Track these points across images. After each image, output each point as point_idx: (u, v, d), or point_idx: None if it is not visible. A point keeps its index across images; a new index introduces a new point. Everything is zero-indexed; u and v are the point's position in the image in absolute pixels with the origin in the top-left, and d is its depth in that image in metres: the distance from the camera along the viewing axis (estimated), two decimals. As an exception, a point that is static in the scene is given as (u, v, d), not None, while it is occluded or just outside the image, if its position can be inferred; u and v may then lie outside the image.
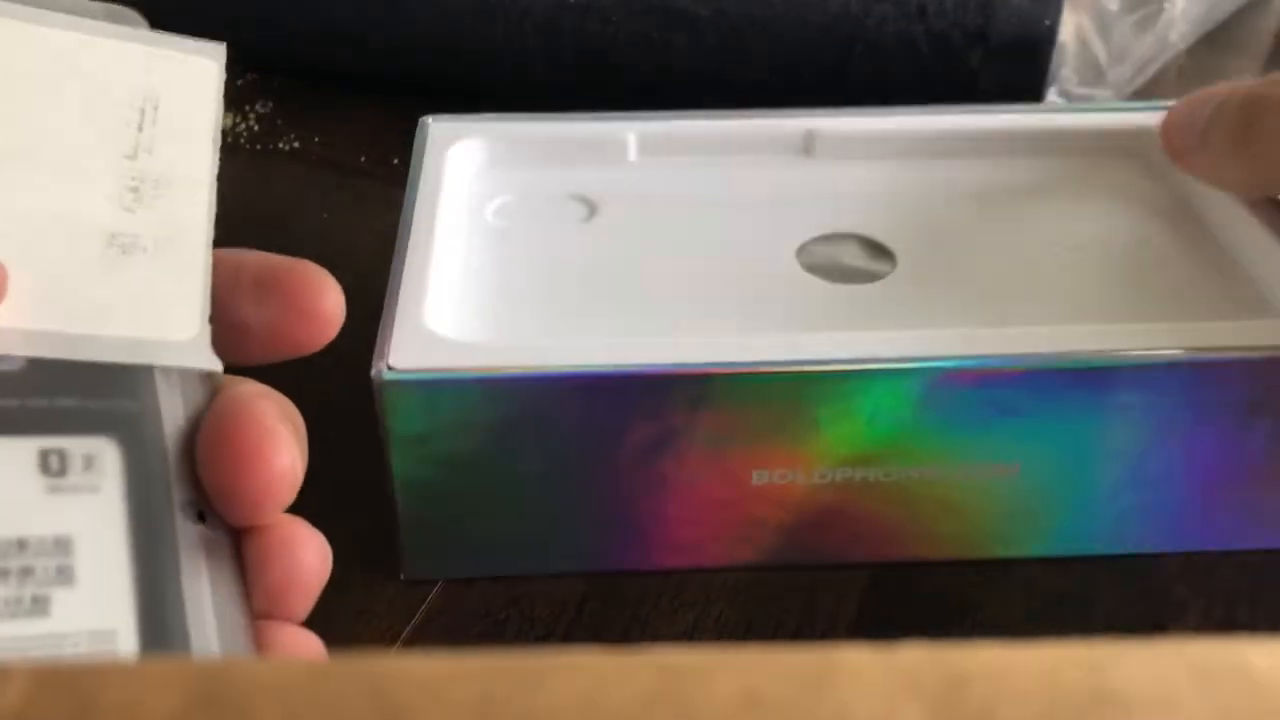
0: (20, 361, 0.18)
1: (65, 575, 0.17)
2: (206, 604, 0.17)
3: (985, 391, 0.25)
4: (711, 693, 0.10)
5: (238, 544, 0.19)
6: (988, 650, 0.11)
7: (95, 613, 0.17)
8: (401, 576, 0.28)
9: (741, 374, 0.25)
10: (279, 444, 0.18)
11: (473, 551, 0.27)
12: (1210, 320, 0.27)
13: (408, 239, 0.28)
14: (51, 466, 0.17)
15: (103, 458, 0.17)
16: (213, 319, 0.20)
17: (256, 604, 0.19)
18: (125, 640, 0.17)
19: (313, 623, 0.27)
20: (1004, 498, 0.27)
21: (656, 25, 0.44)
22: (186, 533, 0.18)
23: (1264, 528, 0.28)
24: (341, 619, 0.27)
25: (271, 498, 0.18)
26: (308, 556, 0.19)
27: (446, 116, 0.34)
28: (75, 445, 0.17)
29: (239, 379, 0.21)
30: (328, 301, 0.21)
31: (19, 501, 0.17)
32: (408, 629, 0.27)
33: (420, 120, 0.33)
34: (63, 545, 0.17)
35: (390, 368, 0.24)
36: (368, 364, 0.25)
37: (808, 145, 0.34)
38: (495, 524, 0.27)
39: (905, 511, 0.27)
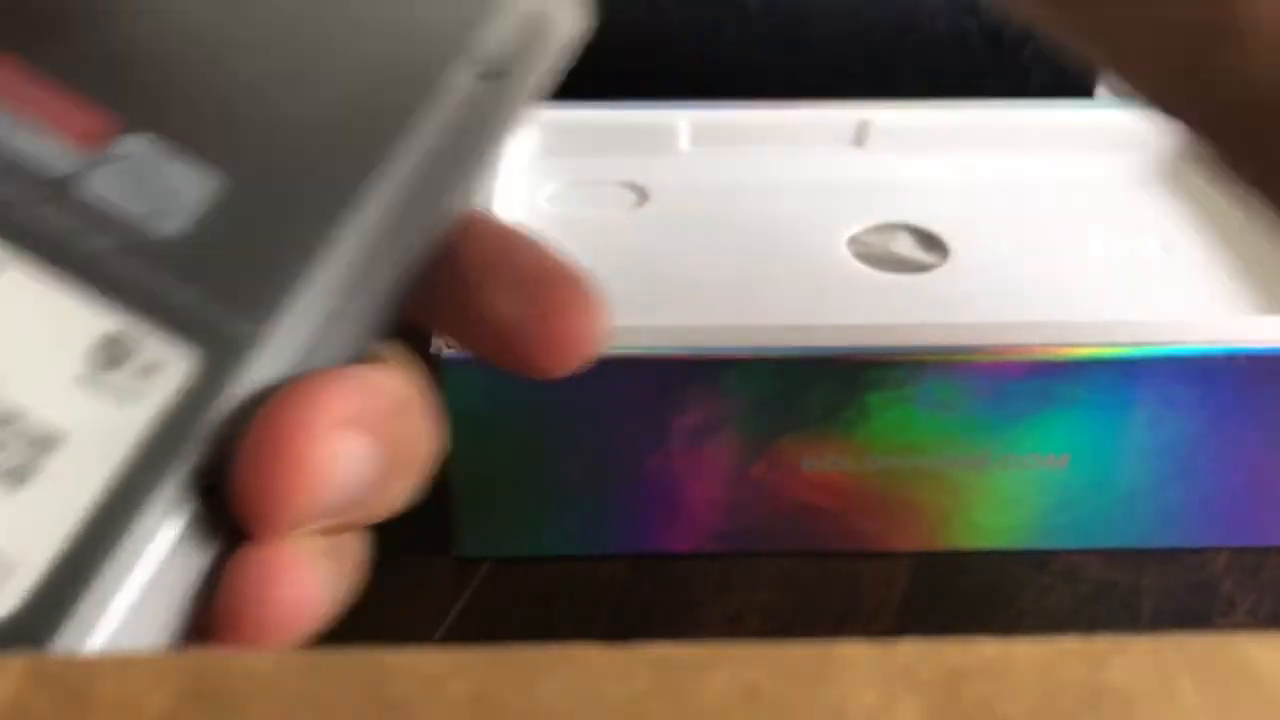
0: (201, 208, 0.16)
1: (18, 477, 0.14)
2: (127, 596, 0.15)
3: (1035, 382, 0.25)
4: (708, 687, 0.10)
5: (231, 542, 0.15)
6: (986, 645, 0.11)
7: (10, 533, 0.14)
8: (454, 554, 0.28)
9: (793, 360, 0.25)
10: (318, 445, 0.14)
11: (525, 530, 0.27)
12: (1262, 314, 0.27)
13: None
14: (104, 357, 0.15)
15: (165, 372, 0.15)
16: (459, 292, 0.17)
17: (213, 622, 0.15)
18: (16, 580, 0.14)
19: (363, 599, 0.28)
20: (1052, 489, 0.27)
21: (707, 15, 0.44)
22: (167, 502, 0.15)
23: (1314, 525, 0.28)
24: (391, 596, 0.28)
25: (276, 503, 0.14)
26: (285, 594, 0.15)
27: (501, 103, 0.34)
28: (152, 343, 0.15)
29: (396, 363, 0.17)
30: (579, 328, 0.17)
31: (47, 372, 0.15)
32: (457, 607, 0.27)
33: (475, 106, 0.34)
34: (45, 444, 0.15)
35: (449, 346, 0.25)
36: (427, 340, 0.25)
37: (860, 136, 0.34)
38: (547, 504, 0.27)
39: (953, 501, 0.27)
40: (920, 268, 0.30)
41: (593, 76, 0.48)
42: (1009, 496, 0.27)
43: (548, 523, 0.27)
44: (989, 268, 0.29)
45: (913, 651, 0.11)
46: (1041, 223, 0.31)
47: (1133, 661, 0.11)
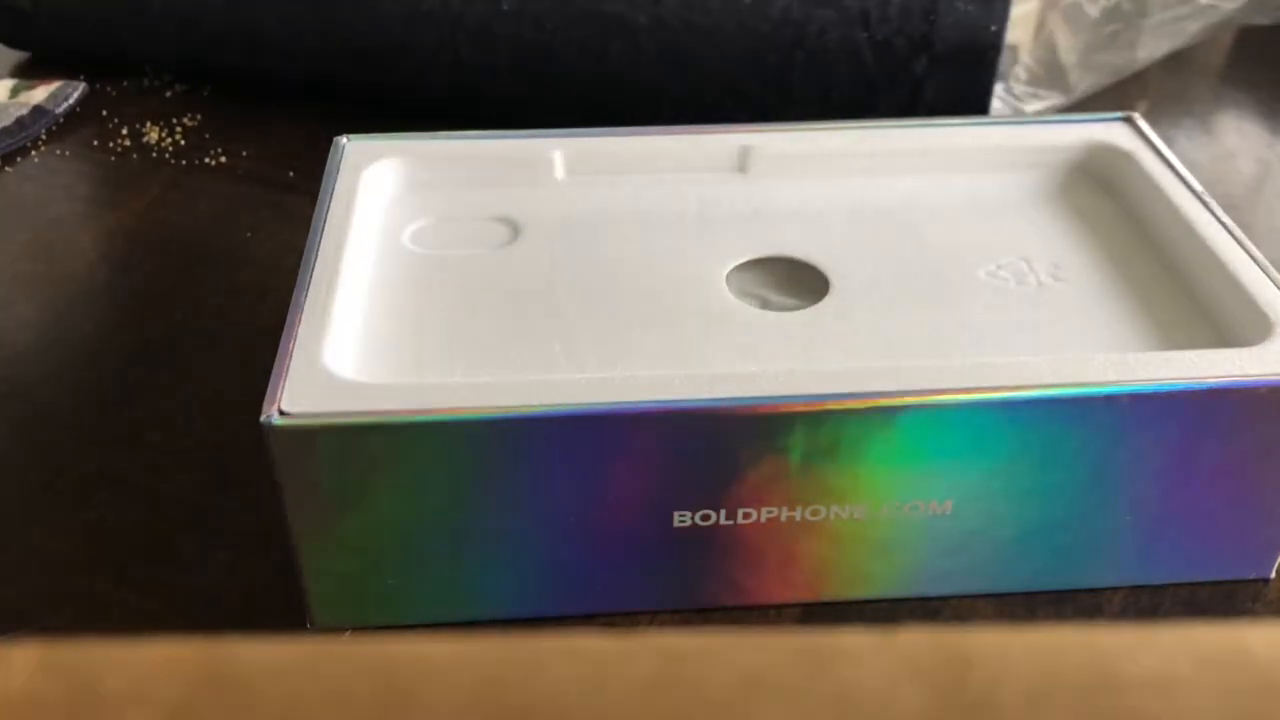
0: None
1: None
2: None
3: (914, 429, 0.24)
4: (713, 676, 0.10)
5: None
6: (989, 633, 0.11)
7: None
8: (308, 625, 0.26)
9: (659, 414, 0.24)
10: None
11: (381, 600, 0.26)
12: (1154, 350, 0.26)
13: (312, 269, 0.27)
14: None
15: None
16: None
17: None
18: None
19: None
20: (937, 536, 0.26)
21: (594, 32, 0.42)
22: None
23: (1207, 560, 0.27)
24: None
25: None
26: None
27: (362, 136, 0.32)
28: None
29: None
30: None
31: None
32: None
33: (335, 140, 0.32)
34: None
35: (282, 412, 0.23)
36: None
37: (742, 163, 0.33)
38: (402, 572, 0.25)
39: (836, 551, 0.26)
40: (800, 304, 0.28)
41: (475, 96, 0.46)
42: (893, 545, 0.26)
43: (404, 592, 0.26)
44: (870, 304, 0.28)
45: (916, 640, 0.11)
46: (928, 252, 0.30)
47: (1134, 649, 0.11)
